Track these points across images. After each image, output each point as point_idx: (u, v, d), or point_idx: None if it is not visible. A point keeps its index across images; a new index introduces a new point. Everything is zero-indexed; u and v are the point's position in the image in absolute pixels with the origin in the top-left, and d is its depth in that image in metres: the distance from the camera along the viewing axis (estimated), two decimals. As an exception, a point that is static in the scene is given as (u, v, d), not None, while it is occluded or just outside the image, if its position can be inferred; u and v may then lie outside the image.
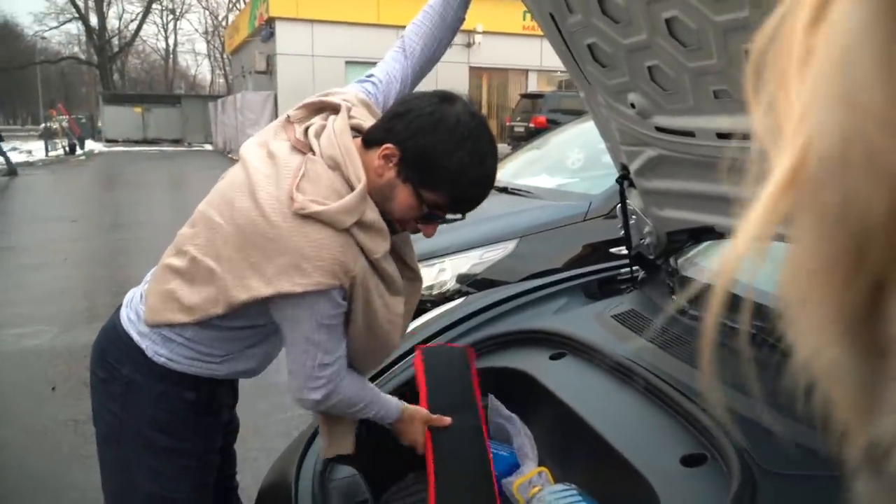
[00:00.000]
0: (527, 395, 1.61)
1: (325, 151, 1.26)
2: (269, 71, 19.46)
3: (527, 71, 22.15)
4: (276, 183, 1.23)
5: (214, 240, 1.26)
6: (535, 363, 1.63)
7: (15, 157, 17.18)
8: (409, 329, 2.07)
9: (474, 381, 1.58)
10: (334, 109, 1.36)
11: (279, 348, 1.46)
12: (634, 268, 1.96)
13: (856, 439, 0.28)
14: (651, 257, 1.89)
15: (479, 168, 1.27)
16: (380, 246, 1.27)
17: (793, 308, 0.26)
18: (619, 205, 1.87)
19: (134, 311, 1.40)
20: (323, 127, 1.31)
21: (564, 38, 1.56)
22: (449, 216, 1.35)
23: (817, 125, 0.24)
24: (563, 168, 4.19)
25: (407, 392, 1.59)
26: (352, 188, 1.24)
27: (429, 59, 1.57)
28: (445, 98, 1.29)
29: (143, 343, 1.35)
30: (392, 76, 1.52)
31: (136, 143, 27.72)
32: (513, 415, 1.60)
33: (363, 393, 1.41)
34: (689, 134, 1.41)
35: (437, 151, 1.24)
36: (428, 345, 1.72)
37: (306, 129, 1.31)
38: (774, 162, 0.26)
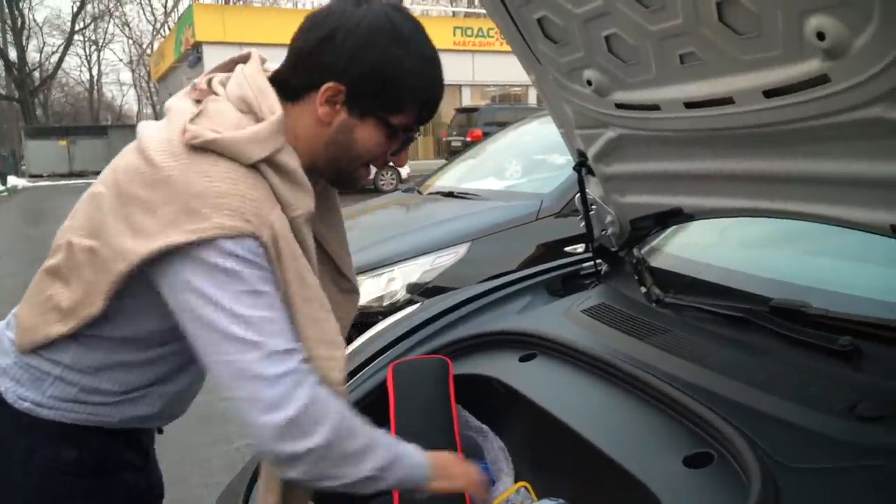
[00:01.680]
0: (497, 403, 1.48)
1: (233, 93, 1.04)
2: (199, 96, 19.07)
3: (460, 86, 22.32)
4: (166, 127, 1.00)
5: (94, 214, 1.01)
6: (503, 367, 1.50)
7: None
8: (359, 342, 1.93)
9: (451, 395, 1.44)
10: (243, 61, 1.12)
11: (200, 385, 1.18)
12: (597, 261, 1.86)
13: None
14: (614, 249, 1.79)
15: (433, 62, 1.08)
16: (301, 201, 1.02)
17: None
18: (578, 195, 1.76)
19: None
20: (229, 76, 1.08)
21: (512, 15, 1.45)
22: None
23: None
24: (506, 171, 4.13)
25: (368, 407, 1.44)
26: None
27: None
28: (360, 2, 1.04)
29: (2, 384, 1.05)
30: None
31: (62, 176, 26.79)
32: (483, 426, 1.47)
33: (357, 423, 1.00)
34: (653, 108, 1.32)
35: (389, 66, 1.02)
36: (402, 359, 1.57)
37: (209, 81, 1.08)
38: None
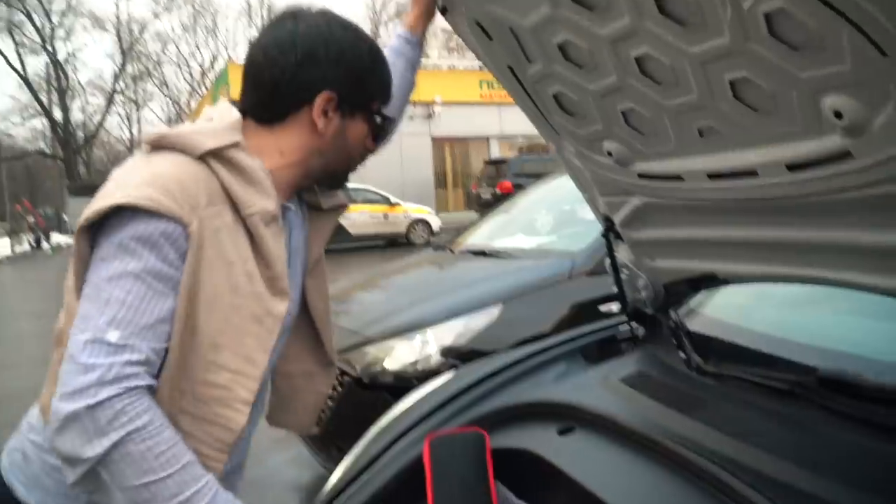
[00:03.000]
0: (537, 479, 1.46)
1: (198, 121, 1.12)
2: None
3: (488, 138, 22.58)
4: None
5: None
6: (542, 440, 1.48)
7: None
8: (395, 412, 1.91)
9: (490, 473, 1.42)
10: None
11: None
12: (633, 324, 1.84)
13: None
14: (650, 312, 1.77)
15: (373, 43, 1.18)
16: (256, 199, 1.01)
17: None
18: (608, 260, 1.76)
19: (20, 448, 1.05)
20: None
21: (527, 90, 1.48)
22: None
23: None
24: (537, 227, 4.12)
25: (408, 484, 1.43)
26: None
27: None
28: (302, 14, 1.13)
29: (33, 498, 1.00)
30: None
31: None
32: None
33: (179, 449, 0.90)
34: (676, 178, 1.32)
35: (360, 60, 1.13)
36: (437, 432, 1.56)
37: None
38: None
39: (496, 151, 22.53)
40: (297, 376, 1.31)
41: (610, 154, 1.42)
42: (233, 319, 0.98)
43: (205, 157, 0.99)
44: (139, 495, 0.87)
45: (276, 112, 1.10)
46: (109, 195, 0.93)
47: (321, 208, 1.25)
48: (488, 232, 4.46)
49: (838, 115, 0.92)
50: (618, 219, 1.62)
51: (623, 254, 1.73)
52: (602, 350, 1.88)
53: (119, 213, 0.92)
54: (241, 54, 34.86)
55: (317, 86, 1.09)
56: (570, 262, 3.18)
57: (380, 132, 1.21)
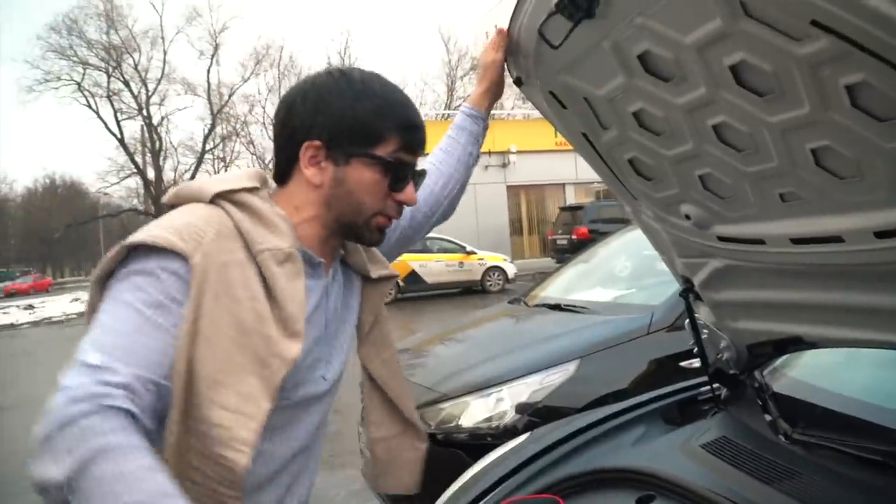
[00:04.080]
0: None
1: None
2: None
3: (563, 184, 22.55)
4: None
5: None
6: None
7: (77, 308, 17.98)
8: (470, 473, 1.90)
9: None
10: None
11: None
12: (715, 386, 1.78)
13: None
14: (733, 373, 1.72)
15: (393, 89, 1.13)
16: (268, 237, 1.00)
17: None
18: (688, 321, 1.72)
19: None
20: None
21: (601, 156, 1.49)
22: (418, 167, 1.17)
23: None
24: (615, 279, 4.06)
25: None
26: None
27: (444, 197, 1.45)
28: (309, 76, 1.15)
29: None
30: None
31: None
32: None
33: (150, 477, 0.80)
34: (758, 242, 1.29)
35: (354, 106, 1.07)
36: (512, 499, 1.55)
37: None
38: None
39: (572, 197, 22.44)
40: (390, 439, 1.31)
41: (688, 217, 1.41)
42: (235, 358, 0.95)
43: (215, 200, 1.01)
44: None
45: (281, 170, 1.12)
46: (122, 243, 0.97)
47: (371, 278, 1.23)
48: (565, 284, 4.43)
49: None
50: (697, 280, 1.60)
51: (703, 314, 1.69)
52: (683, 412, 1.82)
53: (124, 257, 0.96)
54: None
55: (299, 135, 1.08)
56: (649, 317, 3.12)
57: (400, 177, 1.12)
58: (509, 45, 1.40)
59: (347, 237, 1.16)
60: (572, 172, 20.81)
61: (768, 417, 1.54)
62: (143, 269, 0.93)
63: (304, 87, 1.11)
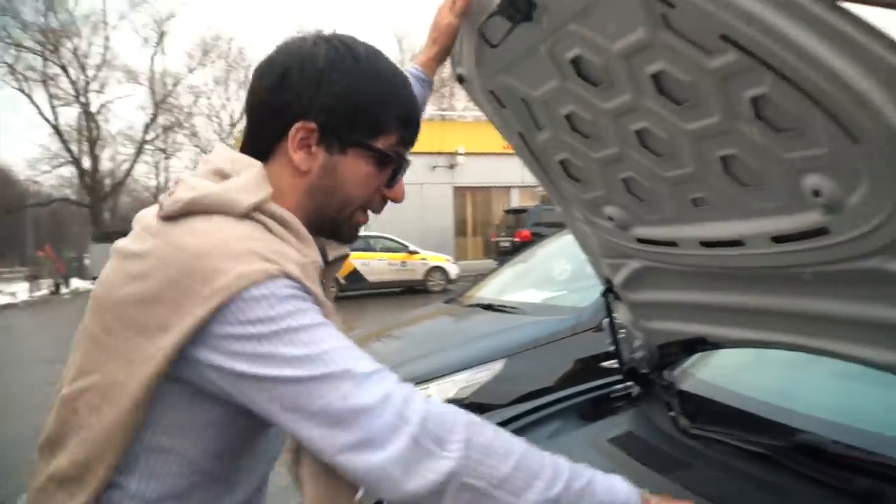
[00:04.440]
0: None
1: (202, 170, 0.92)
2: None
3: (509, 187, 22.79)
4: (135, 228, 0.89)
5: (84, 350, 0.86)
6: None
7: (-1, 300, 17.28)
8: None
9: None
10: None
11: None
12: (628, 384, 1.87)
13: None
14: (644, 371, 1.80)
15: (402, 78, 0.99)
16: (307, 249, 0.89)
17: None
18: (607, 320, 1.80)
19: None
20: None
21: (536, 156, 1.55)
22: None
23: None
24: (550, 281, 4.16)
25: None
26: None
27: None
28: (295, 40, 0.97)
29: None
30: None
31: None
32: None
33: (507, 438, 0.83)
34: (671, 244, 1.37)
35: (358, 88, 0.93)
36: None
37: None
38: None
39: (517, 200, 22.71)
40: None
41: (611, 218, 1.49)
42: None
43: (248, 214, 0.87)
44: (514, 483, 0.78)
45: (257, 145, 0.96)
46: (190, 293, 0.78)
47: (327, 261, 1.06)
48: (500, 285, 4.51)
49: (817, 193, 0.98)
50: (617, 280, 1.67)
51: (622, 314, 1.77)
52: (597, 409, 1.90)
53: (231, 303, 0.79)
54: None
55: (289, 113, 0.92)
56: (576, 318, 3.22)
57: (396, 173, 1.02)
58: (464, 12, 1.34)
59: (320, 232, 1.00)
60: (518, 176, 21.07)
61: (671, 414, 1.63)
62: (268, 300, 0.79)
63: (300, 54, 0.94)
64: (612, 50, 1.08)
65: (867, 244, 0.97)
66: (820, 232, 1.03)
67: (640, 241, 1.46)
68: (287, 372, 0.77)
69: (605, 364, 2.84)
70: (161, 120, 39.55)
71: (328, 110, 0.92)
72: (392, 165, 0.99)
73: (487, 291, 4.42)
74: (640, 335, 1.76)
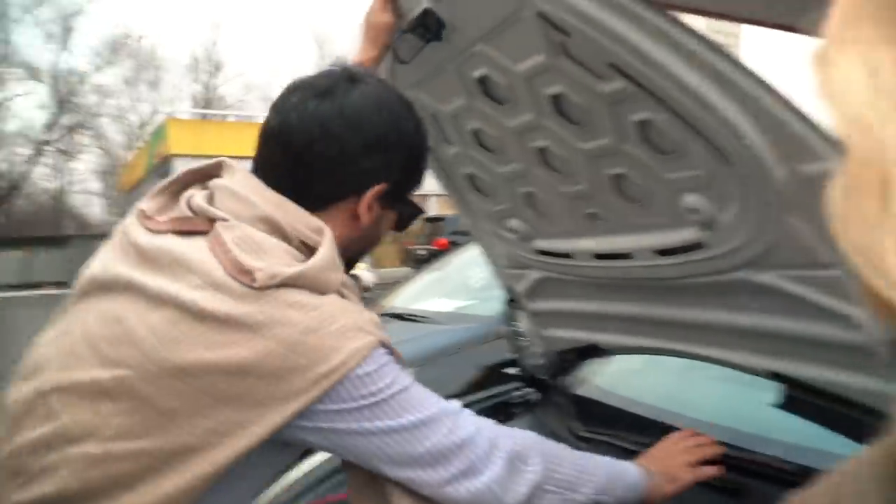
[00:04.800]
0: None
1: (243, 213, 0.86)
2: (166, 207, 19.17)
3: (427, 195, 22.91)
4: (189, 270, 0.80)
5: (112, 408, 0.77)
6: None
7: None
8: (291, 478, 1.92)
9: None
10: (207, 176, 0.97)
11: None
12: (529, 390, 1.95)
13: None
14: (543, 378, 1.89)
15: (420, 122, 1.04)
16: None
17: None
18: (509, 328, 1.88)
19: None
20: (211, 195, 0.91)
21: (445, 169, 1.61)
22: None
23: None
24: (465, 289, 4.23)
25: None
26: (304, 251, 0.87)
27: None
28: (353, 78, 0.96)
29: None
30: None
31: (15, 287, 26.10)
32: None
33: (559, 449, 0.98)
34: (568, 256, 1.46)
35: (416, 150, 0.99)
36: (333, 497, 1.62)
37: (190, 205, 0.89)
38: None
39: (434, 209, 22.88)
40: None
41: (514, 231, 1.56)
42: None
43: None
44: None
45: (314, 195, 0.93)
46: (298, 369, 0.78)
47: None
48: (414, 293, 4.54)
49: (694, 210, 1.07)
50: (519, 290, 1.75)
51: (523, 322, 1.85)
52: (497, 414, 1.97)
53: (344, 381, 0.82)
54: (181, 108, 34.58)
55: (377, 175, 0.94)
56: (485, 327, 3.29)
57: (409, 220, 1.08)
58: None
59: None
60: (436, 184, 21.20)
61: (565, 418, 1.71)
62: (375, 374, 0.84)
63: (392, 116, 0.95)
64: (515, 71, 1.15)
65: (737, 258, 1.07)
66: (697, 246, 1.13)
67: (540, 252, 1.54)
68: (394, 425, 0.84)
69: (510, 370, 2.93)
70: (64, 120, 37.52)
71: (403, 174, 0.98)
72: (409, 215, 1.07)
73: (400, 300, 4.44)
74: (540, 343, 1.84)
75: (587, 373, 1.91)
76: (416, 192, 1.05)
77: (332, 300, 0.84)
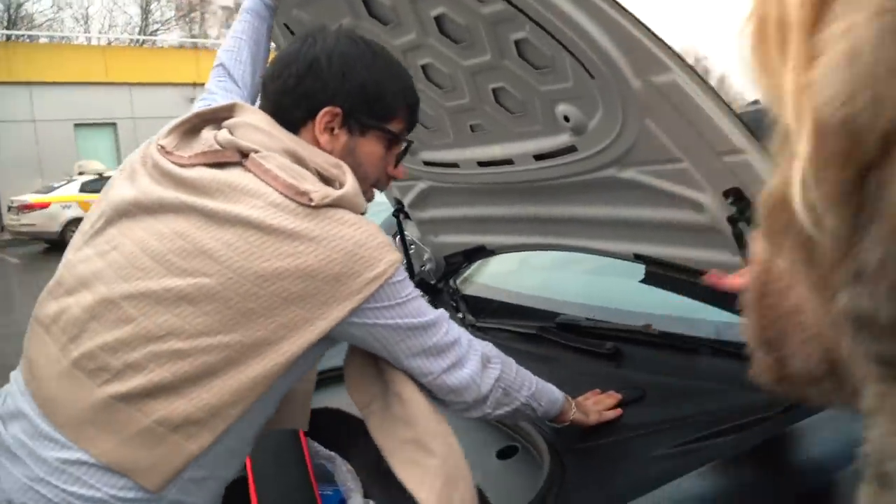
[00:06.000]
0: (343, 431, 1.65)
1: (272, 146, 1.00)
2: (-18, 141, 17.19)
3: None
4: (246, 194, 0.93)
5: (193, 310, 0.91)
6: (345, 398, 1.67)
7: None
8: None
9: (309, 467, 1.52)
10: (218, 118, 1.08)
11: None
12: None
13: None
14: (433, 282, 2.04)
15: (404, 68, 1.14)
16: None
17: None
18: (398, 237, 2.00)
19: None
20: (230, 132, 1.03)
21: None
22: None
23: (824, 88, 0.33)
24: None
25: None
26: (323, 179, 1.00)
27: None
28: (318, 32, 1.09)
29: None
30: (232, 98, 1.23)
31: None
32: (332, 453, 1.62)
33: (499, 351, 1.15)
34: (453, 165, 1.58)
35: (375, 77, 1.07)
36: None
37: (218, 139, 1.01)
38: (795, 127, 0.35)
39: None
40: None
41: (400, 144, 1.65)
42: None
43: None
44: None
45: (288, 126, 1.05)
46: (354, 272, 0.93)
47: None
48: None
49: (567, 118, 1.22)
50: (407, 200, 1.87)
51: (411, 231, 1.98)
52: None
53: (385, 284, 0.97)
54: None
55: (319, 98, 1.05)
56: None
57: (402, 154, 1.16)
58: None
59: None
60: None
61: (459, 315, 1.89)
62: (403, 282, 1.00)
63: (325, 47, 1.06)
64: (399, -7, 1.22)
65: (604, 158, 1.24)
66: (570, 150, 1.29)
67: (427, 163, 1.66)
68: (415, 322, 1.01)
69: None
70: None
71: (352, 97, 1.05)
72: (399, 147, 1.15)
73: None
74: (427, 249, 1.98)
75: (471, 274, 2.08)
76: (396, 124, 1.12)
77: (368, 220, 0.99)
